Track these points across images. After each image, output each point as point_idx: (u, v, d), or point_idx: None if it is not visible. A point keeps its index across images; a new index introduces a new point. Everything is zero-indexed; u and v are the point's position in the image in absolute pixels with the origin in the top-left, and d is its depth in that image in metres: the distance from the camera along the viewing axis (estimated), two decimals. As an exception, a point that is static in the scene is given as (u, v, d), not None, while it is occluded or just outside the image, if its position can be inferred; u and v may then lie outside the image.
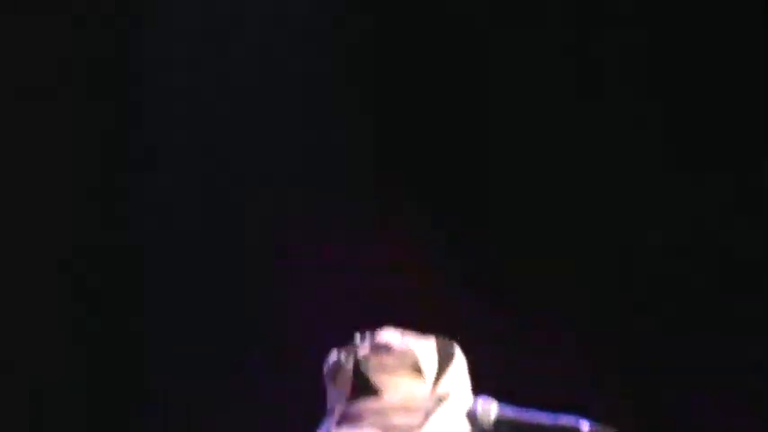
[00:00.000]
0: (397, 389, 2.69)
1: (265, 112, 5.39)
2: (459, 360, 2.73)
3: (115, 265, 5.35)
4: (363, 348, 2.72)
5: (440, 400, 2.68)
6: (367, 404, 2.68)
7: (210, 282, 5.45)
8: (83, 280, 5.30)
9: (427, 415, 2.65)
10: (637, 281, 5.50)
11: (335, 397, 2.67)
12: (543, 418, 2.65)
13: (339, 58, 5.49)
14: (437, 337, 2.74)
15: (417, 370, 2.70)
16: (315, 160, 5.47)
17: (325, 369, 2.67)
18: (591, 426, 2.60)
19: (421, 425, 2.64)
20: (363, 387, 2.68)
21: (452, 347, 2.71)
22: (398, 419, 2.66)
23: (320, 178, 5.49)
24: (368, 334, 2.72)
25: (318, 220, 5.42)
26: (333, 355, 2.68)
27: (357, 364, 2.68)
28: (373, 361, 2.69)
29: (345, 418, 2.67)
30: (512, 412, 2.67)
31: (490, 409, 2.64)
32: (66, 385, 5.29)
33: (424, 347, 2.71)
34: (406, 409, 2.67)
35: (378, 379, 2.69)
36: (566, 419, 2.62)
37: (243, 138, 5.39)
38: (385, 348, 2.71)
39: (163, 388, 5.29)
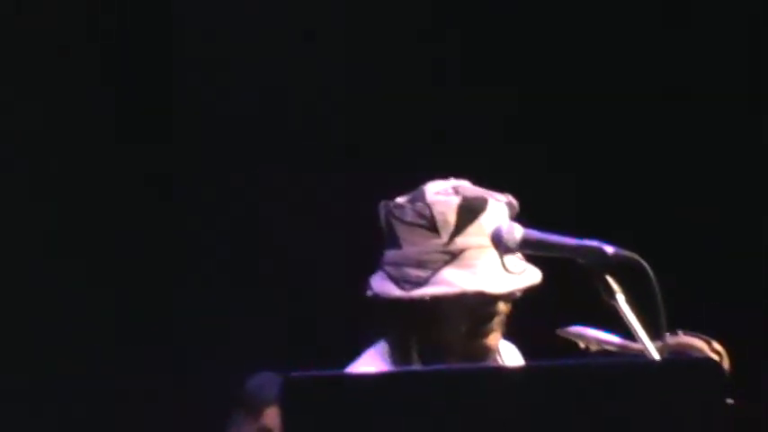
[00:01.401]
0: (413, 242, 2.84)
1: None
2: (489, 218, 2.80)
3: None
4: (401, 199, 2.88)
5: (453, 256, 2.80)
6: (390, 254, 2.85)
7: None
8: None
9: (435, 271, 2.78)
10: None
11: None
12: (568, 240, 2.72)
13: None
14: (489, 194, 2.86)
15: (432, 226, 2.83)
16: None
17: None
18: (615, 249, 2.63)
19: (428, 279, 2.78)
20: (388, 237, 2.88)
21: (483, 204, 2.81)
22: (411, 271, 2.81)
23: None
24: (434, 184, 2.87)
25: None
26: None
27: (388, 213, 2.86)
28: (397, 212, 2.84)
29: (378, 265, 2.89)
30: (537, 234, 2.76)
31: (515, 229, 2.73)
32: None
33: (444, 204, 2.83)
34: (419, 262, 2.80)
35: (399, 230, 2.86)
36: (590, 242, 2.67)
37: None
38: (412, 200, 2.86)
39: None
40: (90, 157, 5.61)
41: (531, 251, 2.75)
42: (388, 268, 2.83)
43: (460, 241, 2.79)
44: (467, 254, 2.80)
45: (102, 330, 5.36)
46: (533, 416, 2.21)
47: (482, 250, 2.80)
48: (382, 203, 2.89)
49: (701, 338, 2.87)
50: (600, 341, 2.91)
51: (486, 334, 2.87)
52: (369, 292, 2.86)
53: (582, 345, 2.91)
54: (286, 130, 5.66)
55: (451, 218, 2.80)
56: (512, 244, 2.69)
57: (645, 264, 2.56)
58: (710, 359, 2.66)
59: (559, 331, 2.92)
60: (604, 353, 2.89)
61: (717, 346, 2.88)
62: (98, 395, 5.31)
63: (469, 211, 2.78)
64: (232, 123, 5.72)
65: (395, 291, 2.79)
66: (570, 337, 2.93)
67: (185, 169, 5.67)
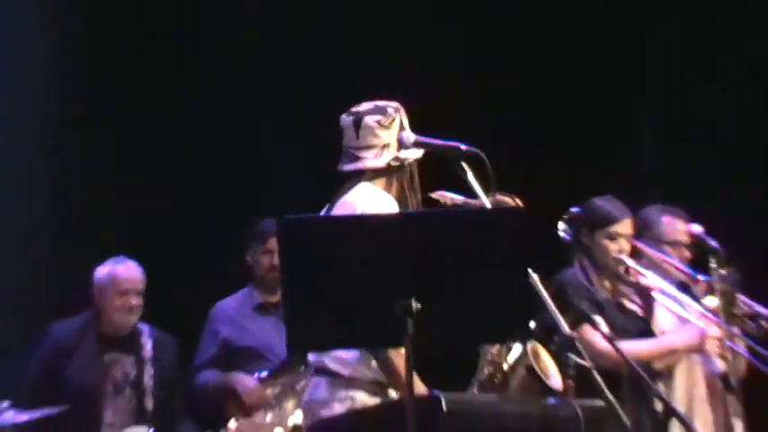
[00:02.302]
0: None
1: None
2: None
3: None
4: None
5: None
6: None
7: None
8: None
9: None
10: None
11: None
12: (440, 141, 3.12)
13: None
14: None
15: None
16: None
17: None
18: (467, 147, 3.03)
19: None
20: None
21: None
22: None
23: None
24: None
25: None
26: None
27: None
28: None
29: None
30: (423, 138, 3.15)
31: (410, 134, 3.16)
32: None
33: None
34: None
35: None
36: (453, 143, 3.06)
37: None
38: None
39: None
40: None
41: (421, 148, 3.18)
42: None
43: None
44: None
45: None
46: (423, 244, 2.57)
47: None
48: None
49: (509, 196, 3.15)
50: (453, 199, 3.21)
51: None
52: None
53: (442, 201, 3.23)
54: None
55: None
56: (409, 143, 3.16)
57: (483, 155, 2.99)
58: (522, 207, 3.06)
59: (430, 194, 3.24)
60: (455, 206, 3.18)
61: (518, 201, 3.16)
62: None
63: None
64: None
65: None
66: (436, 197, 3.24)
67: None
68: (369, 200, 3.08)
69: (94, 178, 5.41)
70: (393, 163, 3.14)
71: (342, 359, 3.01)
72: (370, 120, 3.16)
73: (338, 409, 3.00)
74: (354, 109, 3.18)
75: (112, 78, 5.47)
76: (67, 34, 5.45)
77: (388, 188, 3.16)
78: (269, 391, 4.26)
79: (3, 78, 5.27)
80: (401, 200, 3.17)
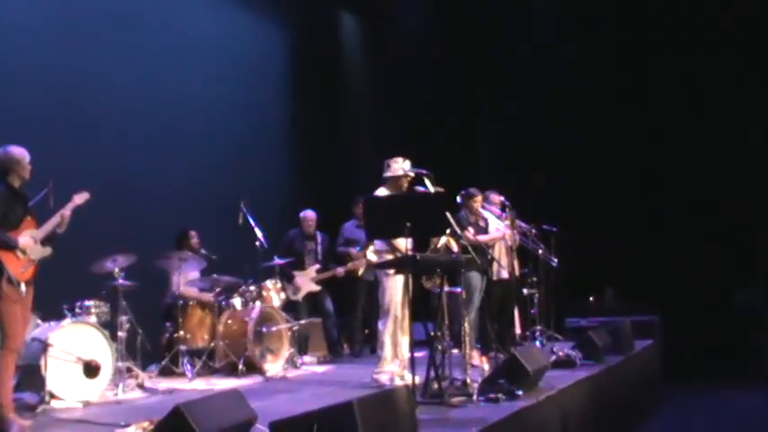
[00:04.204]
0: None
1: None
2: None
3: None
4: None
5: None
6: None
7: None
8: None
9: None
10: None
11: None
12: (416, 169, 2.87)
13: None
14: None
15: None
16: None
17: None
18: (427, 171, 2.74)
19: None
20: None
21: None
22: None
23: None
24: None
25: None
26: None
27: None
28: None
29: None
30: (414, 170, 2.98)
31: (406, 164, 2.96)
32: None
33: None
34: None
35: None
36: (422, 170, 2.79)
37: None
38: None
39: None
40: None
41: (411, 172, 2.87)
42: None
43: None
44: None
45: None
46: (412, 203, 2.49)
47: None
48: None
49: (441, 187, 2.73)
50: (421, 190, 2.81)
51: None
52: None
53: (417, 190, 2.84)
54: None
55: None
56: (407, 169, 2.92)
57: (431, 174, 2.71)
58: (445, 192, 2.70)
59: (414, 187, 2.89)
60: (422, 192, 2.82)
61: (443, 189, 2.74)
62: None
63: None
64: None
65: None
66: (416, 189, 2.87)
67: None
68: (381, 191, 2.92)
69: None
70: (401, 174, 2.97)
71: (379, 246, 2.92)
72: (402, 160, 2.96)
73: (384, 258, 2.90)
74: (395, 158, 2.96)
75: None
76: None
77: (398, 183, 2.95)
78: (360, 253, 4.35)
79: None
80: (401, 187, 2.97)
